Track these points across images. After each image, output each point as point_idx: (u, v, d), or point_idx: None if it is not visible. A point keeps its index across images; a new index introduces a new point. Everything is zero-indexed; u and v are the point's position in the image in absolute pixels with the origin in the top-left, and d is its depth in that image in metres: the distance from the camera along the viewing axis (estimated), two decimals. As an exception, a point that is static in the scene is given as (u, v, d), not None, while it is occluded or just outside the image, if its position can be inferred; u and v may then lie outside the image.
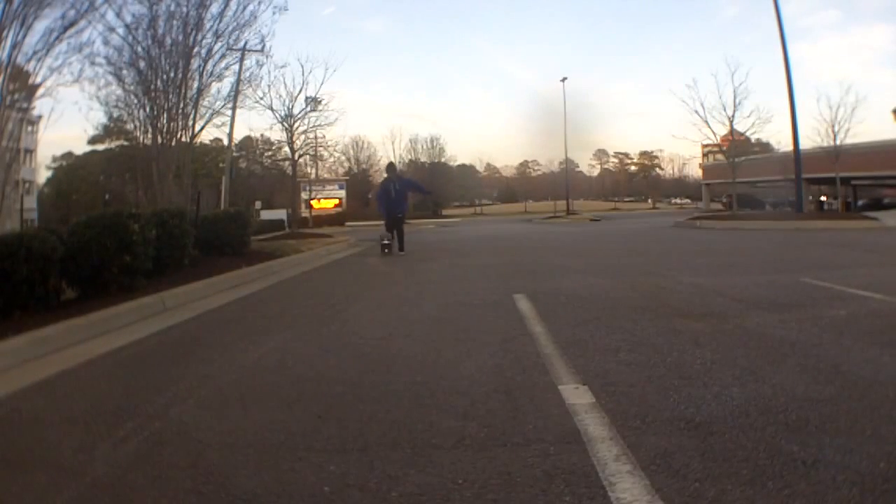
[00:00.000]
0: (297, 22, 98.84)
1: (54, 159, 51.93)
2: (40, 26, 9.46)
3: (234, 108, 16.54)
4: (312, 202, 37.03)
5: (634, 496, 1.61)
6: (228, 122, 17.28)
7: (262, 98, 20.71)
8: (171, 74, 12.35)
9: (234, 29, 13.60)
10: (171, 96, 12.30)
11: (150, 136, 12.48)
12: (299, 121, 22.35)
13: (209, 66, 13.38)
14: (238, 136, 46.90)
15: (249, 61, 15.74)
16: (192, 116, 13.05)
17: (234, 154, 30.19)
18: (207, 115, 14.39)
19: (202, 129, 14.82)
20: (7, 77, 9.17)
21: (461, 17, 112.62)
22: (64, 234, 5.51)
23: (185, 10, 12.39)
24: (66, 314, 4.51)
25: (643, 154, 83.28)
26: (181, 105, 12.52)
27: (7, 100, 9.22)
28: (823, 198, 36.63)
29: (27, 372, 3.37)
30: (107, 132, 26.01)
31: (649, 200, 69.55)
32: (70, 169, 50.86)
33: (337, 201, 42.83)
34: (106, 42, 11.79)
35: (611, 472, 1.76)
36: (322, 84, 28.21)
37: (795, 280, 5.80)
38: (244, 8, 13.62)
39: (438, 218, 47.23)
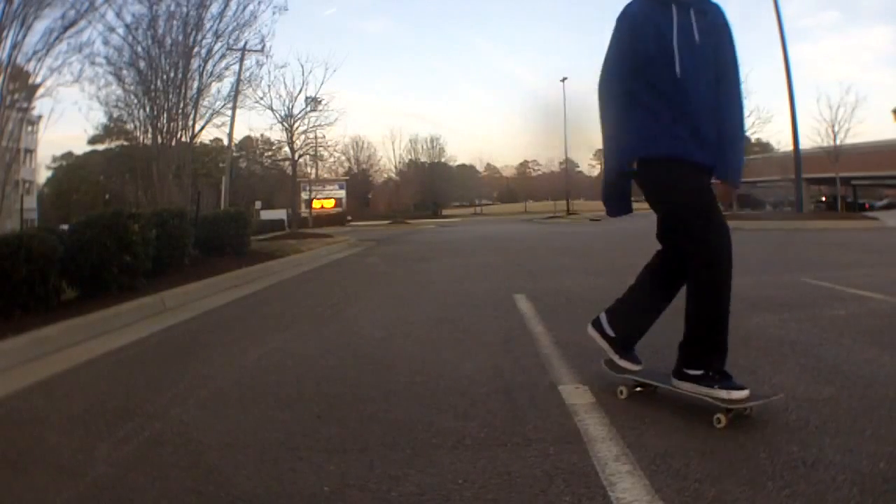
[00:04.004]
0: (297, 22, 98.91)
1: (54, 159, 52.00)
2: (40, 26, 9.49)
3: (234, 108, 16.60)
4: (313, 202, 37.05)
5: (634, 496, 1.61)
6: (228, 122, 17.36)
7: (262, 98, 20.80)
8: (171, 74, 12.37)
9: (234, 29, 13.66)
10: (171, 96, 12.32)
11: (150, 136, 12.51)
12: (299, 121, 22.43)
13: (209, 66, 13.43)
14: (238, 136, 46.96)
15: (249, 61, 15.82)
16: (192, 116, 13.09)
17: (234, 154, 30.23)
18: (207, 115, 14.45)
19: (202, 129, 14.90)
20: (7, 77, 9.18)
21: (462, 18, 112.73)
22: (64, 234, 5.51)
23: (185, 10, 12.44)
24: (66, 314, 4.52)
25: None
26: (181, 105, 12.55)
27: (7, 100, 9.23)
28: (822, 198, 36.70)
29: (27, 372, 3.38)
30: (107, 132, 26.02)
31: (649, 200, 69.42)
32: (70, 169, 50.86)
33: (335, 201, 42.89)
34: (106, 42, 11.84)
35: (611, 471, 1.76)
36: (322, 84, 28.30)
37: (795, 280, 5.80)
38: (244, 8, 13.69)
39: (438, 218, 47.26)
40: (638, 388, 2.41)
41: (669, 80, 2.18)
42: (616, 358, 2.49)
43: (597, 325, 2.61)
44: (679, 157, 2.19)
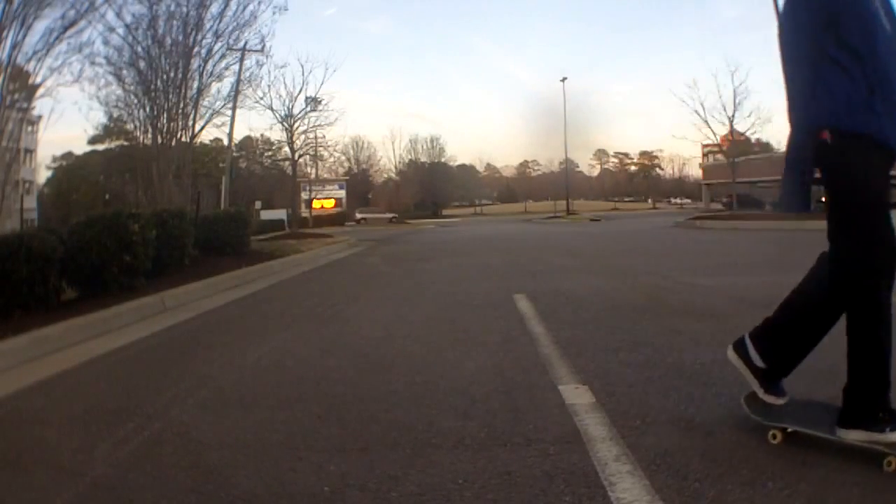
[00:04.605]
0: (297, 22, 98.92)
1: (54, 159, 51.95)
2: (40, 26, 9.50)
3: (234, 108, 16.56)
4: (313, 202, 37.05)
5: (634, 496, 1.61)
6: (228, 122, 17.30)
7: (262, 98, 20.83)
8: (171, 74, 12.39)
9: (234, 29, 13.69)
10: (171, 96, 12.34)
11: (150, 136, 12.53)
12: (299, 121, 22.46)
13: (209, 66, 13.46)
14: (238, 136, 46.85)
15: (249, 61, 15.80)
16: (192, 116, 13.11)
17: (234, 154, 30.22)
18: (207, 115, 14.47)
19: (202, 129, 14.92)
20: (7, 77, 9.19)
21: (461, 18, 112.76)
22: (64, 234, 5.51)
23: (185, 10, 12.46)
24: (66, 314, 4.52)
25: (643, 154, 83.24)
26: (181, 105, 12.57)
27: (7, 100, 9.24)
28: (822, 198, 36.62)
29: (27, 372, 3.38)
30: (107, 132, 26.04)
31: (649, 200, 69.53)
32: (70, 169, 50.80)
33: (335, 201, 42.86)
34: (106, 42, 11.86)
35: (611, 472, 1.76)
36: (322, 84, 28.34)
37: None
38: (244, 8, 13.71)
39: (438, 218, 47.27)
40: (790, 430, 1.95)
41: (867, 38, 1.75)
42: (760, 392, 1.99)
43: (740, 349, 2.06)
44: (875, 138, 1.74)
